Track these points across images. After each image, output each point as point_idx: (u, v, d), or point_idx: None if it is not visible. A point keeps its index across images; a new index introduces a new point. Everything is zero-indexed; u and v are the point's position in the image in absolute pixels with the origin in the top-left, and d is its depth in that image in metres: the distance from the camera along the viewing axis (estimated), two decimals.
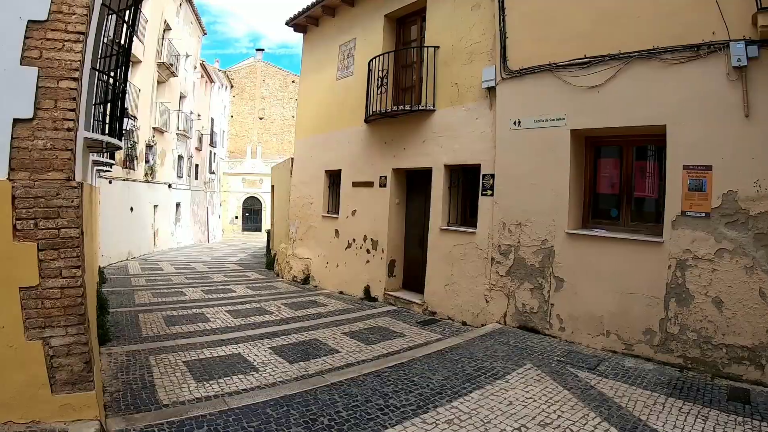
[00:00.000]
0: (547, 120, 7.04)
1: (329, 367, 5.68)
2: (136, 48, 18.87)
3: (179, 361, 5.76)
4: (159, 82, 23.36)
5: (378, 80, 9.95)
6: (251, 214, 45.59)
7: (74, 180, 3.49)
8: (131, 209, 19.40)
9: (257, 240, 38.93)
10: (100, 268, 12.67)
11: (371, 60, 10.09)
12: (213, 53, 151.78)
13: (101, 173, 13.55)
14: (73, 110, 3.46)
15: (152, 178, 22.47)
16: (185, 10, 27.22)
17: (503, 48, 7.69)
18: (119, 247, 17.90)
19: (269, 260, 17.02)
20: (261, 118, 51.84)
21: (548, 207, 6.96)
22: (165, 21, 23.03)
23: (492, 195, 7.78)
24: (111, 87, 6.06)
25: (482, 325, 7.69)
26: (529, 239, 7.19)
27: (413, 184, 10.10)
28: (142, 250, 20.86)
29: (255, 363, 5.76)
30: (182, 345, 6.46)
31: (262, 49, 54.36)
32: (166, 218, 25.38)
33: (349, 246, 11.19)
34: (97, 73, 5.43)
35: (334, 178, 12.24)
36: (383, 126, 10.23)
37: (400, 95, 10.21)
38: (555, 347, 6.34)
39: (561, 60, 6.85)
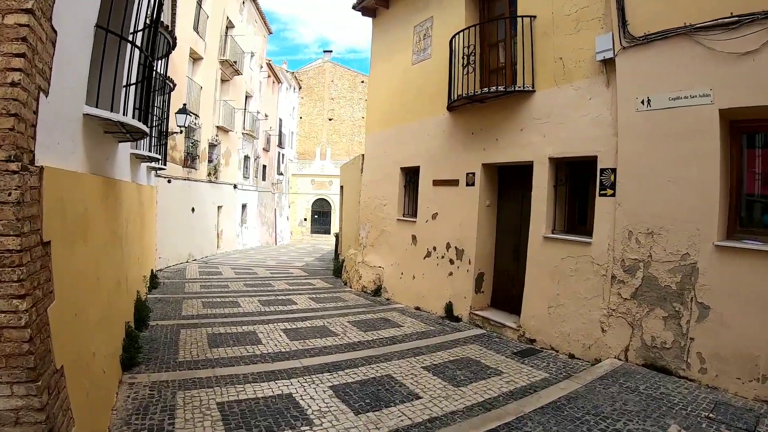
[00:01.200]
0: (686, 97, 5.43)
1: (407, 423, 4.35)
2: (197, 44, 18.46)
3: (213, 402, 4.62)
4: (223, 81, 23.01)
5: (464, 58, 8.55)
6: (320, 216, 45.35)
7: (23, 161, 2.31)
8: (192, 210, 18.86)
9: (326, 243, 38.59)
10: (152, 272, 11.96)
11: (453, 37, 8.72)
12: (282, 59, 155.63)
13: (158, 171, 12.92)
14: (21, 56, 2.30)
15: (216, 178, 21.97)
16: (249, 8, 26.79)
17: (621, 10, 6.13)
18: (178, 248, 17.34)
19: (336, 266, 15.88)
20: (330, 119, 51.69)
21: (690, 211, 5.35)
22: (227, 18, 22.62)
23: (613, 195, 6.19)
24: (140, 62, 5.02)
25: (596, 360, 6.15)
26: (663, 253, 5.58)
27: (507, 182, 8.63)
28: (204, 252, 20.36)
29: (309, 412, 4.51)
30: (222, 377, 5.34)
31: (330, 51, 54.56)
32: (230, 219, 24.95)
33: (428, 255, 9.82)
34: (125, 43, 4.35)
35: (410, 176, 10.91)
36: (470, 113, 8.83)
37: (488, 78, 8.77)
38: (697, 396, 4.80)
39: (700, 21, 5.24)
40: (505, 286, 8.53)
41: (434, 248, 9.63)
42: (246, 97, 27.17)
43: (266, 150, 33.41)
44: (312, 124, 51.89)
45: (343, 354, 6.53)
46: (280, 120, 38.42)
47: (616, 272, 6.09)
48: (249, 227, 28.60)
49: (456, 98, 8.61)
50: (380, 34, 12.50)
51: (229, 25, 23.19)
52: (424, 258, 9.90)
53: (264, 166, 33.08)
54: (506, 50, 8.38)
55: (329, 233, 43.87)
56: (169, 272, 14.84)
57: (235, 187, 25.13)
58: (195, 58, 19.31)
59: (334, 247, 21.53)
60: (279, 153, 38.57)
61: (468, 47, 8.46)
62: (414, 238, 10.30)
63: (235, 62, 22.87)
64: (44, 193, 2.59)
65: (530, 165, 7.49)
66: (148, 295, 10.17)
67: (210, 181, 21.34)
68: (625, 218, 6.00)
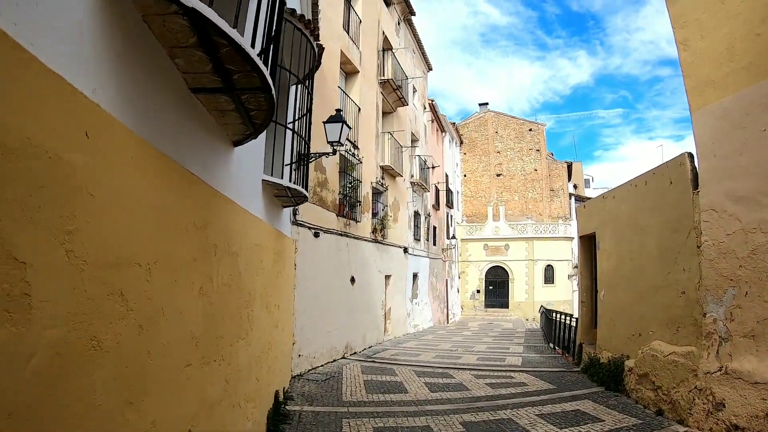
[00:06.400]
0: None
1: None
2: (350, 50, 13.81)
3: None
4: (385, 113, 18.28)
5: None
6: (495, 286, 39.29)
7: None
8: (352, 280, 13.40)
9: (504, 319, 32.82)
10: (278, 396, 6.60)
11: None
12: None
13: (296, 212, 7.88)
14: None
15: (383, 236, 16.57)
16: (405, 32, 22.21)
17: None
18: (331, 339, 11.73)
19: (601, 370, 9.01)
20: (498, 175, 46.53)
21: None
22: (383, 33, 18.12)
23: None
24: None
25: None
26: None
27: None
28: (367, 340, 14.66)
29: None
30: None
31: (486, 103, 50.02)
32: (400, 294, 19.36)
33: None
34: None
35: None
36: None
37: None
38: None
39: None
40: None
41: None
42: (411, 140, 22.21)
43: (435, 208, 28.13)
44: (478, 182, 47.01)
45: None
46: (446, 175, 33.19)
47: None
48: (420, 303, 22.80)
49: None
50: None
51: (386, 46, 18.55)
52: None
53: (434, 228, 27.68)
54: None
55: (506, 307, 38.39)
56: (313, 381, 9.28)
57: (405, 251, 19.74)
58: (348, 71, 14.66)
59: (554, 329, 14.92)
60: (447, 213, 33.24)
61: None
62: None
63: (399, 87, 17.92)
64: None
65: None
66: None
67: (375, 240, 15.97)
68: None
